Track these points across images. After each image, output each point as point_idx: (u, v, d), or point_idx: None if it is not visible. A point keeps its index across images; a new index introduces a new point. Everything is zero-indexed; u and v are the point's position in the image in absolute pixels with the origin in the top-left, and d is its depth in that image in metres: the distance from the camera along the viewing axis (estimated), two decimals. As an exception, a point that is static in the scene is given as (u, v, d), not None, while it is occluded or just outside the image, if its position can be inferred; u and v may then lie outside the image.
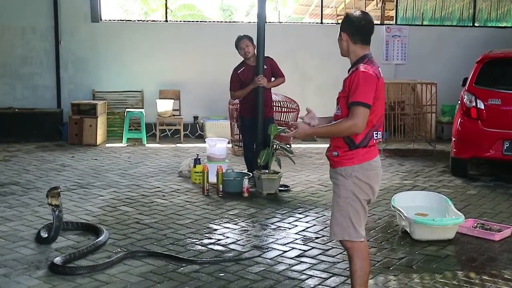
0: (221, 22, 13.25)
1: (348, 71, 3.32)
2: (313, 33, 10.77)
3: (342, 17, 3.37)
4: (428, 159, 8.55)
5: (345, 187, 3.21)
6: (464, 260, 4.43)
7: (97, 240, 4.52)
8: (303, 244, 4.69)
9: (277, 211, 5.66)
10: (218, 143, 7.00)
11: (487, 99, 6.96)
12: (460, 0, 11.27)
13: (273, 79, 6.68)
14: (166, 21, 10.82)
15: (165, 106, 9.78)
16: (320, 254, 4.46)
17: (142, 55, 10.26)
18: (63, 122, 9.89)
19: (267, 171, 6.35)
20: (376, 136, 3.24)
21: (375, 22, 12.35)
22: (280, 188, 6.40)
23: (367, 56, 3.26)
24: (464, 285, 3.91)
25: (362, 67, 3.16)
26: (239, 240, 4.78)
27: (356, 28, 3.27)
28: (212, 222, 5.27)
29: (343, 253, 4.47)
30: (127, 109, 9.87)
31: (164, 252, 4.40)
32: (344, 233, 3.24)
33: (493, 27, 11.37)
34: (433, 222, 4.76)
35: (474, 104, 7.00)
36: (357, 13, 3.35)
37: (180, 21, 13.38)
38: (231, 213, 5.57)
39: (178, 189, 6.50)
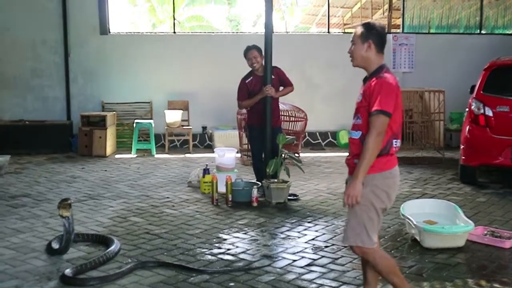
0: (229, 32, 13.35)
1: (364, 80, 3.34)
2: (320, 43, 10.82)
3: (360, 26, 3.34)
4: (437, 167, 8.53)
5: (362, 195, 3.21)
6: (474, 268, 4.41)
7: (108, 250, 4.55)
8: (313, 253, 4.69)
9: (286, 220, 5.67)
10: (227, 153, 7.02)
11: (496, 106, 6.95)
12: (467, 8, 11.28)
13: (281, 88, 6.71)
14: (174, 32, 10.91)
15: (173, 116, 9.84)
16: (330, 263, 4.47)
17: (150, 66, 10.35)
18: (73, 134, 9.96)
19: (276, 180, 6.37)
20: (395, 144, 3.29)
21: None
22: (289, 197, 6.41)
23: (385, 66, 3.31)
24: (475, 293, 3.91)
25: (383, 76, 3.20)
26: (248, 249, 4.79)
27: (382, 37, 3.32)
28: (221, 231, 5.29)
29: (353, 261, 4.48)
30: (136, 120, 9.93)
31: (174, 262, 4.42)
32: (357, 239, 3.26)
33: (500, 34, 11.37)
34: (443, 230, 4.76)
35: (482, 111, 6.99)
36: (378, 23, 3.42)
37: (188, 32, 13.47)
38: (240, 222, 5.59)
39: (187, 199, 6.53)
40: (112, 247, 4.61)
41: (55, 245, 4.68)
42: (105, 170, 8.28)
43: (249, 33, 12.04)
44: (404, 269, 4.32)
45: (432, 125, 9.37)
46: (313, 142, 10.72)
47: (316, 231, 5.32)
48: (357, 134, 3.28)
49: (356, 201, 3.19)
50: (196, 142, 10.44)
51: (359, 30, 3.33)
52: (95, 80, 10.34)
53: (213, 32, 13.12)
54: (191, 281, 4.08)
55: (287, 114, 9.08)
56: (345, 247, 4.83)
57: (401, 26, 11.33)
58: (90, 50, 10.29)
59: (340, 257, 4.58)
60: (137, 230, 5.31)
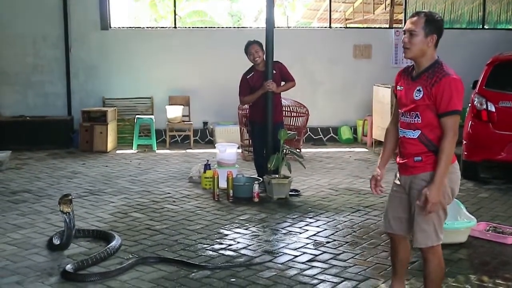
0: (230, 27, 13.31)
1: (413, 74, 3.22)
2: (321, 38, 10.77)
3: (420, 16, 3.14)
4: (439, 162, 8.50)
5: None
6: (476, 264, 4.40)
7: (109, 246, 4.53)
8: (314, 249, 4.68)
9: (287, 216, 5.66)
10: (228, 148, 7.01)
11: (498, 101, 6.92)
12: (470, 3, 11.22)
13: (283, 83, 6.69)
14: (175, 27, 10.88)
15: (174, 112, 9.82)
16: (331, 258, 4.46)
17: (151, 61, 10.32)
18: (74, 130, 9.95)
19: (277, 175, 6.35)
20: None
21: (384, 26, 12.34)
22: (290, 193, 6.40)
23: (440, 60, 3.20)
24: (477, 288, 3.89)
25: (449, 74, 3.09)
26: (250, 245, 4.78)
27: (443, 31, 3.21)
28: (223, 227, 5.28)
29: (355, 257, 4.47)
30: (137, 116, 9.91)
31: (176, 258, 4.42)
32: (428, 240, 3.22)
33: (503, 30, 11.31)
34: (445, 226, 4.70)
35: (484, 106, 6.96)
36: (439, 14, 3.27)
37: (189, 27, 13.44)
38: (241, 218, 5.57)
39: (188, 195, 6.52)
40: (113, 243, 4.60)
41: (56, 241, 4.69)
42: (106, 166, 8.27)
43: (250, 28, 11.99)
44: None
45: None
46: (314, 137, 10.69)
47: (318, 226, 5.31)
48: (415, 134, 3.17)
49: (442, 207, 3.12)
50: (197, 138, 10.43)
51: (422, 21, 3.13)
52: (96, 76, 10.32)
53: (214, 27, 13.09)
54: (192, 276, 4.07)
55: (289, 110, 9.06)
56: (347, 242, 4.83)
57: (403, 21, 11.26)
58: (91, 45, 10.26)
59: (342, 253, 4.57)
60: (138, 226, 5.30)
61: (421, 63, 3.19)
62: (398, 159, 3.34)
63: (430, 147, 3.15)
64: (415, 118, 3.16)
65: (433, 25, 3.15)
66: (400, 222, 3.36)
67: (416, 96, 3.14)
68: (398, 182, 3.35)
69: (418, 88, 3.14)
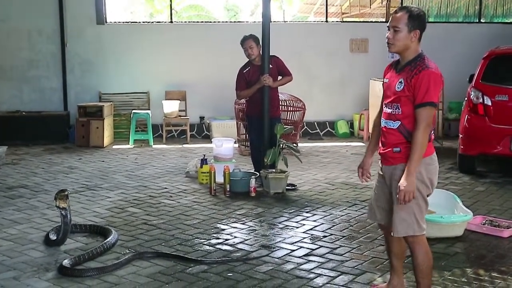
0: (226, 22, 13.28)
1: (397, 67, 3.31)
2: (318, 32, 10.76)
3: (403, 12, 3.21)
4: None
5: None
6: (473, 257, 4.41)
7: (106, 241, 4.53)
8: (311, 243, 4.68)
9: (284, 210, 5.66)
10: (225, 143, 7.00)
11: (494, 95, 6.93)
12: (466, -4, 11.22)
13: (280, 77, 6.67)
14: (171, 22, 10.85)
15: (171, 107, 9.81)
16: (328, 252, 4.46)
17: (147, 56, 10.30)
18: (70, 125, 9.93)
19: (274, 170, 6.35)
20: (433, 131, 3.31)
21: (380, 19, 12.31)
22: (287, 187, 6.40)
23: (424, 54, 3.26)
24: (474, 282, 3.90)
25: (429, 67, 3.16)
26: (247, 239, 4.79)
27: (425, 26, 3.26)
28: (219, 222, 5.28)
29: (352, 251, 4.47)
30: (134, 111, 9.90)
31: (172, 253, 4.41)
32: (408, 229, 3.25)
33: (500, 23, 11.32)
34: (441, 220, 4.75)
35: (481, 100, 6.96)
36: (420, 8, 3.35)
37: (185, 21, 13.41)
38: (238, 212, 5.58)
39: (185, 190, 6.52)
40: (110, 238, 4.60)
41: (53, 236, 4.67)
42: (103, 161, 8.26)
43: (247, 22, 11.99)
44: (402, 258, 4.32)
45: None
46: (311, 132, 10.70)
47: (314, 221, 5.31)
48: (395, 124, 3.24)
49: (413, 196, 3.14)
50: (193, 133, 10.42)
51: (405, 16, 3.19)
52: (92, 71, 10.29)
53: (210, 22, 13.05)
54: (189, 271, 4.07)
55: (285, 104, 9.05)
56: (344, 237, 4.83)
57: (399, 15, 11.23)
58: (87, 40, 10.22)
59: (339, 247, 4.58)
60: (135, 221, 5.29)
61: (405, 57, 3.28)
62: (379, 149, 3.40)
63: (409, 138, 3.20)
64: (396, 109, 3.24)
65: (416, 21, 3.23)
66: (384, 212, 3.43)
67: (398, 87, 3.23)
68: (381, 173, 3.42)
69: (400, 80, 3.23)
